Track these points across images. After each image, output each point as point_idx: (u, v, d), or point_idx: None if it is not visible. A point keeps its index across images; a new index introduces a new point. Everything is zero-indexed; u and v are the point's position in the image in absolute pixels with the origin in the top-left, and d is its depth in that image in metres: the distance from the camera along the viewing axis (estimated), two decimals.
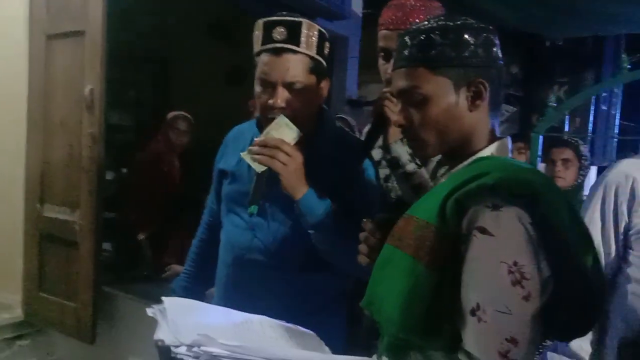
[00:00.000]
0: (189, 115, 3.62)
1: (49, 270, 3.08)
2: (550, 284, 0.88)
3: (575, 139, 2.67)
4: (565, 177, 2.55)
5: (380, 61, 1.40)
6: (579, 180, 2.57)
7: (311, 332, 1.12)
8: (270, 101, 1.27)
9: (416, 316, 0.86)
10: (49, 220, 3.04)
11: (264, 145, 1.22)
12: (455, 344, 0.84)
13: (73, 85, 2.88)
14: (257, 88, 1.31)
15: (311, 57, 1.29)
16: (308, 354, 0.92)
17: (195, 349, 0.84)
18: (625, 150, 4.71)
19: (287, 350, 0.94)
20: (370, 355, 1.01)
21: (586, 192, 2.56)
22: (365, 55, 3.82)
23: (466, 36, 0.94)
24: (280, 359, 0.86)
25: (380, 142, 1.43)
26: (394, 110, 1.27)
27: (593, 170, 2.66)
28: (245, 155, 1.25)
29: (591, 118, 4.35)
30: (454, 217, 0.86)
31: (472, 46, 0.94)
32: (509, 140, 1.01)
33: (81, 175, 2.85)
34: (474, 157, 0.97)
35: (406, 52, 0.97)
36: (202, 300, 1.52)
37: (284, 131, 1.24)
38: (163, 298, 1.04)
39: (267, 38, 1.27)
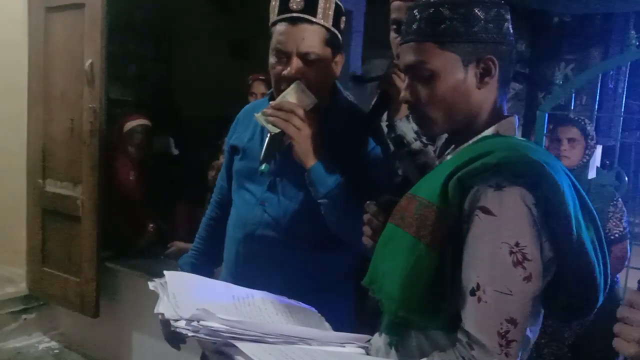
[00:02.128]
0: (146, 122, 3.23)
1: (52, 245, 3.10)
2: (552, 265, 0.88)
3: (582, 117, 2.63)
4: (570, 156, 2.52)
5: (392, 34, 1.37)
6: (585, 160, 2.54)
7: (312, 308, 1.12)
8: (285, 71, 1.25)
9: (416, 295, 0.86)
10: (52, 196, 3.05)
11: (279, 108, 1.20)
12: (455, 324, 0.84)
13: (73, 58, 2.85)
14: (272, 59, 1.28)
15: (327, 29, 1.27)
16: (306, 329, 0.92)
17: (194, 323, 0.84)
18: (630, 129, 4.67)
19: (286, 326, 0.95)
20: (373, 334, 1.01)
21: (592, 171, 2.54)
22: (370, 30, 3.75)
23: (476, 11, 0.91)
24: (279, 334, 0.86)
25: (385, 119, 1.40)
26: (400, 86, 1.25)
27: (599, 149, 2.62)
28: (259, 117, 1.22)
29: (598, 96, 4.29)
30: (457, 197, 0.85)
31: (482, 21, 0.91)
32: (516, 119, 0.99)
33: (83, 150, 2.84)
34: (479, 136, 0.95)
35: (414, 26, 0.94)
36: (211, 276, 1.53)
37: (300, 97, 1.23)
38: (165, 272, 1.04)
39: (284, 7, 1.25)
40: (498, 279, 0.81)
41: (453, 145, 1.01)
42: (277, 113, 1.20)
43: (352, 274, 1.46)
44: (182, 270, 1.52)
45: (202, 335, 0.82)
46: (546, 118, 2.54)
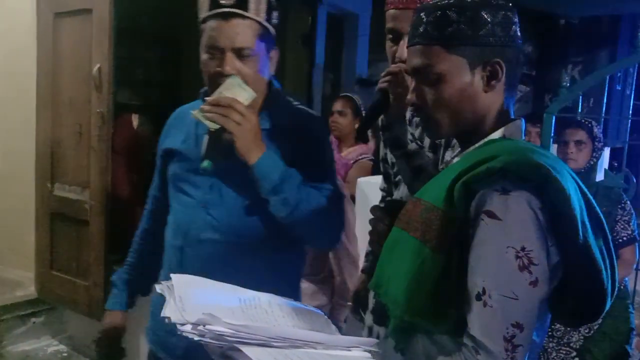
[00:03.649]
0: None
1: (60, 249, 3.12)
2: (559, 270, 0.87)
3: (589, 120, 2.62)
4: (577, 159, 2.51)
5: (388, 43, 1.36)
6: (592, 162, 2.53)
7: (319, 311, 1.12)
8: (219, 68, 1.22)
9: (422, 299, 0.86)
10: (60, 200, 3.07)
11: (216, 104, 1.17)
12: (461, 328, 0.84)
13: (81, 63, 2.88)
14: (204, 56, 1.25)
15: (260, 24, 1.24)
16: (312, 333, 0.92)
17: (200, 327, 0.84)
18: (638, 131, 4.63)
19: (292, 330, 0.94)
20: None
21: (599, 173, 2.53)
22: (376, 34, 3.76)
23: (484, 14, 0.91)
24: (285, 338, 0.86)
25: (382, 120, 1.39)
26: (399, 88, 1.25)
27: (606, 152, 2.61)
28: (196, 114, 1.18)
29: (605, 99, 4.27)
30: (462, 201, 0.84)
31: (489, 25, 0.91)
32: (522, 122, 0.99)
33: (91, 154, 2.86)
34: (485, 139, 0.95)
35: (421, 29, 0.94)
36: (148, 294, 1.48)
37: (237, 91, 1.19)
38: (171, 275, 1.04)
39: (214, 3, 1.22)
40: (504, 284, 0.80)
41: (459, 149, 1.01)
42: (214, 109, 1.16)
43: (299, 278, 1.45)
44: (115, 286, 1.49)
45: (208, 340, 0.82)
46: (553, 120, 2.53)
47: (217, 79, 1.22)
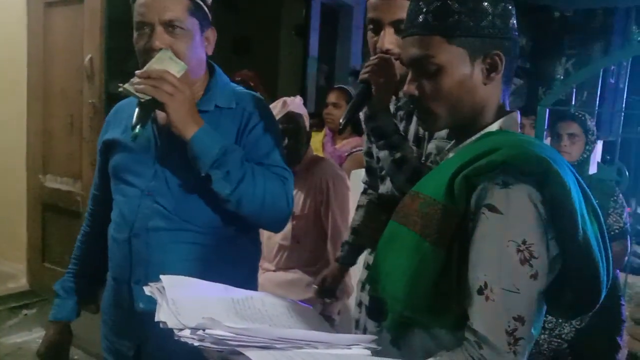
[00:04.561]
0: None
1: (52, 241, 3.11)
2: (557, 262, 0.87)
3: (582, 112, 2.63)
4: (570, 152, 2.51)
5: (370, 33, 1.33)
6: (585, 155, 2.53)
7: (310, 306, 1.11)
8: (148, 43, 1.18)
9: (422, 294, 0.86)
10: (52, 191, 3.05)
11: (146, 76, 1.12)
12: (460, 322, 0.84)
13: (72, 54, 2.85)
14: (135, 34, 1.22)
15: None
16: (313, 333, 0.90)
17: (200, 332, 0.81)
18: (631, 124, 4.66)
19: (293, 331, 0.93)
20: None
21: (592, 166, 2.54)
22: None
23: (485, 5, 0.90)
24: (286, 339, 0.84)
25: (365, 111, 1.37)
26: (381, 78, 1.23)
27: (599, 145, 2.62)
28: (127, 87, 1.14)
29: (599, 92, 4.28)
30: (462, 195, 0.84)
31: (490, 16, 0.90)
32: (518, 115, 0.99)
33: (82, 145, 2.84)
34: (482, 132, 0.95)
35: (420, 19, 0.92)
36: (96, 299, 1.43)
37: (168, 63, 1.15)
38: (161, 276, 0.99)
39: None
40: (505, 278, 0.80)
41: (454, 142, 1.01)
42: (145, 81, 1.12)
43: (255, 264, 1.41)
44: (58, 296, 1.42)
45: (208, 344, 0.80)
46: (547, 113, 2.54)
47: (149, 54, 1.18)
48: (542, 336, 2.43)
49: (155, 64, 1.15)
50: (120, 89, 1.15)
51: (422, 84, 0.94)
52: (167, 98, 1.12)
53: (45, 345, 1.41)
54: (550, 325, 2.43)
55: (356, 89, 3.27)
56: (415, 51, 0.93)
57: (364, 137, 1.62)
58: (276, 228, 1.33)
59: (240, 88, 1.35)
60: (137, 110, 1.14)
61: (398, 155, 1.24)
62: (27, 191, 3.22)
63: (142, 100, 1.13)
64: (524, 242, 0.80)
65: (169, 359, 0.98)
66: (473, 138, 0.95)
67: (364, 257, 1.68)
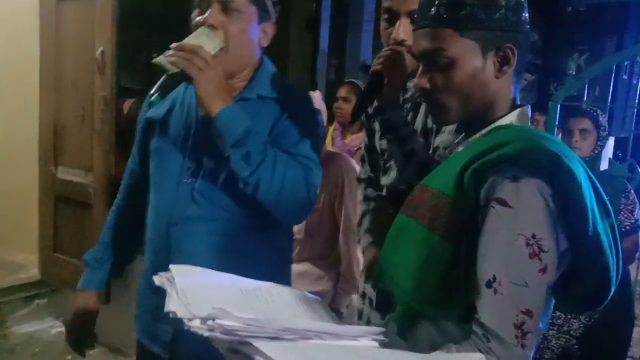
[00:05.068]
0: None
1: (63, 231, 3.14)
2: (567, 257, 0.87)
3: (594, 108, 2.61)
4: (582, 148, 2.50)
5: (383, 24, 1.32)
6: (596, 151, 2.52)
7: (317, 297, 1.11)
8: (202, 19, 1.18)
9: (430, 287, 0.86)
10: (63, 183, 3.08)
11: (180, 49, 1.13)
12: (468, 315, 0.84)
13: (84, 46, 2.86)
14: (194, 13, 1.23)
15: None
16: (321, 324, 0.91)
17: (209, 322, 0.80)
18: None
19: (301, 321, 0.93)
20: None
21: (603, 162, 2.52)
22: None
23: None
24: (295, 329, 0.84)
25: (375, 103, 1.36)
26: (393, 70, 1.22)
27: (611, 141, 2.60)
28: (160, 59, 1.14)
29: (611, 87, 4.24)
30: (472, 188, 0.84)
31: (502, 9, 0.90)
32: (529, 109, 0.98)
33: (94, 138, 2.86)
34: (492, 126, 0.94)
35: (432, 11, 0.92)
36: (122, 274, 1.43)
37: (204, 40, 1.16)
38: (170, 266, 0.99)
39: None
40: (514, 271, 0.80)
41: (463, 135, 1.00)
42: (178, 53, 1.12)
43: (289, 255, 1.40)
44: (88, 265, 1.42)
45: (217, 334, 0.80)
46: (558, 109, 2.52)
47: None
48: (551, 332, 2.42)
49: (191, 39, 1.16)
50: (154, 61, 1.15)
51: (434, 77, 0.93)
52: (197, 72, 1.11)
53: (73, 314, 1.41)
54: (559, 321, 2.42)
55: (366, 82, 3.25)
56: (427, 44, 0.92)
57: (364, 132, 1.61)
58: (294, 219, 1.31)
59: (288, 84, 1.35)
60: (163, 78, 1.15)
61: (408, 148, 1.24)
62: (38, 183, 3.24)
63: (171, 71, 1.14)
64: (533, 236, 0.80)
65: (206, 344, 0.99)
66: (483, 131, 0.95)
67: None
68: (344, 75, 5.03)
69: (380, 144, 1.47)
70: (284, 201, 1.18)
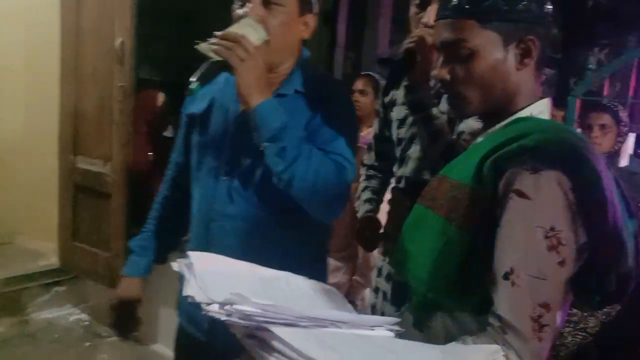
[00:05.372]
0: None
1: (82, 220, 3.18)
2: (585, 250, 0.87)
3: (615, 103, 2.57)
4: (601, 143, 2.47)
5: (414, 9, 1.33)
6: (617, 147, 2.49)
7: (333, 288, 1.12)
8: (240, 11, 1.19)
9: (446, 277, 0.86)
10: (83, 172, 3.12)
11: (224, 38, 1.12)
12: (484, 307, 0.84)
13: (104, 37, 2.89)
14: (234, 6, 1.23)
15: None
16: (337, 313, 0.92)
17: (227, 307, 0.82)
18: None
19: (318, 310, 0.94)
20: None
21: (623, 159, 2.48)
22: (399, 12, 3.71)
23: None
24: (311, 317, 0.85)
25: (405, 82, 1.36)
26: (426, 50, 1.22)
27: (631, 137, 2.56)
28: (203, 46, 1.14)
29: (633, 82, 4.17)
30: (491, 179, 0.84)
31: (525, 0, 0.90)
32: (549, 101, 0.98)
33: (113, 128, 2.89)
34: (512, 117, 0.94)
35: (454, 2, 0.92)
36: (164, 262, 1.44)
37: (248, 30, 1.15)
38: (189, 252, 1.01)
39: None
40: (532, 264, 0.80)
41: (483, 126, 1.00)
42: (221, 42, 1.12)
43: (324, 253, 1.41)
44: (133, 252, 1.45)
45: (235, 319, 0.81)
46: (577, 103, 2.49)
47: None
48: (567, 329, 2.41)
49: (235, 28, 1.16)
50: (198, 48, 1.15)
51: (454, 68, 0.93)
52: (238, 62, 1.11)
53: (118, 299, 1.45)
54: (575, 318, 2.40)
55: (383, 75, 3.24)
56: (448, 35, 0.92)
57: (375, 120, 1.62)
58: (327, 216, 1.30)
59: (326, 73, 1.34)
60: (204, 66, 1.14)
61: (434, 128, 1.24)
62: (58, 172, 3.29)
63: (214, 59, 1.13)
64: (552, 229, 0.80)
65: None
66: (503, 123, 0.94)
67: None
68: (360, 68, 5.02)
69: (398, 133, 1.47)
70: (316, 198, 1.19)
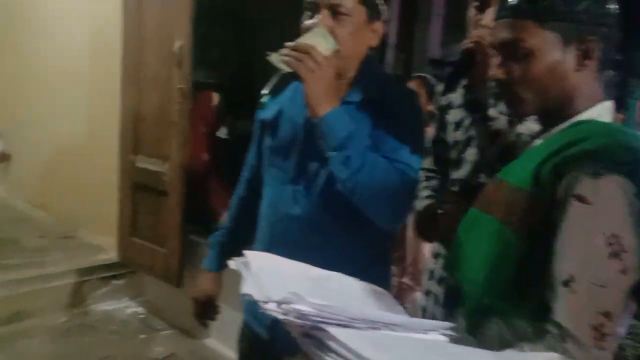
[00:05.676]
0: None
1: (140, 217, 3.31)
2: None
3: None
4: None
5: (473, 11, 1.32)
6: None
7: (385, 290, 1.12)
8: (309, 22, 1.20)
9: (503, 281, 0.85)
10: (142, 171, 3.24)
11: (294, 49, 1.14)
12: (540, 313, 0.83)
13: (164, 41, 2.99)
14: (303, 17, 1.24)
15: None
16: (390, 315, 0.91)
17: (284, 305, 0.83)
18: None
19: (372, 312, 0.94)
20: None
21: None
22: (452, 13, 3.65)
23: None
24: (365, 319, 0.86)
25: (464, 82, 1.36)
26: (486, 50, 1.21)
27: None
28: (274, 56, 1.16)
29: None
30: (550, 183, 0.82)
31: (586, 0, 0.88)
32: (611, 104, 0.95)
33: (171, 129, 2.99)
34: (572, 120, 0.92)
35: (513, 2, 0.91)
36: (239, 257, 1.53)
37: (318, 40, 1.16)
38: (245, 251, 1.04)
39: None
40: (593, 271, 0.78)
41: (541, 128, 0.98)
42: (291, 53, 1.14)
43: (388, 256, 1.42)
44: (211, 248, 1.53)
45: (291, 318, 0.82)
46: (638, 106, 2.38)
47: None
48: (627, 341, 2.31)
49: (305, 39, 1.18)
50: (269, 58, 1.18)
51: (511, 68, 0.92)
52: (307, 73, 1.13)
53: (198, 291, 1.54)
54: (637, 330, 2.30)
55: (435, 77, 3.19)
56: (506, 34, 0.91)
57: (431, 125, 1.61)
58: (389, 224, 1.31)
59: (393, 78, 1.35)
60: (275, 78, 1.18)
61: (493, 128, 1.23)
62: (119, 170, 3.43)
63: (284, 71, 1.16)
64: (614, 235, 0.78)
65: None
66: (563, 126, 0.92)
67: (430, 247, 1.66)
68: (412, 69, 4.97)
69: (455, 135, 1.46)
70: (379, 206, 1.20)
